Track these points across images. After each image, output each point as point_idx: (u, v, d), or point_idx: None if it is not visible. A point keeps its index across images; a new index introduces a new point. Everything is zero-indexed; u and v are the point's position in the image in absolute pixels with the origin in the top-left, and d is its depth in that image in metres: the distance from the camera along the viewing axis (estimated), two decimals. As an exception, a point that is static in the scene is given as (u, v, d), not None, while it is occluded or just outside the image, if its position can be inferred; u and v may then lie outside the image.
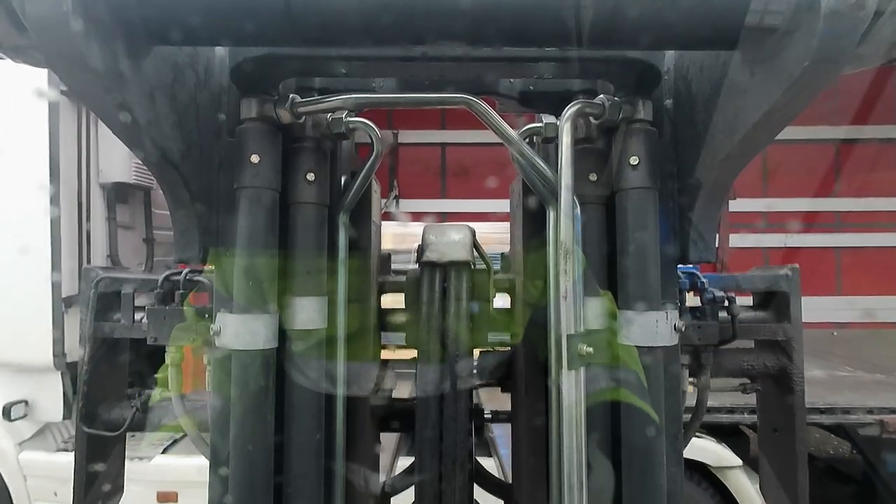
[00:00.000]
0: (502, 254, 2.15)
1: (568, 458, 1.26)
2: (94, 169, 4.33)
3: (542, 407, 1.55)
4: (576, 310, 1.26)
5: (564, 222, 1.24)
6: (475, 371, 1.71)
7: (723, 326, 1.66)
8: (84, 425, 1.69)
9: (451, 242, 1.68)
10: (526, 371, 1.64)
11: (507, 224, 2.12)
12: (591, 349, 1.26)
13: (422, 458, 1.54)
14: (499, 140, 1.36)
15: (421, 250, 1.68)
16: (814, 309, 7.10)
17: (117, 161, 4.38)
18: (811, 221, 8.21)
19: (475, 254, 1.73)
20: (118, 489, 1.91)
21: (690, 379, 1.69)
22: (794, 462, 1.73)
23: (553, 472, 1.43)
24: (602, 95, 1.35)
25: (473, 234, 1.72)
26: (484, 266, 1.75)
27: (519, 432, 1.82)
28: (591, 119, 1.39)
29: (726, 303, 1.68)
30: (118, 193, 4.53)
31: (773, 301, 1.80)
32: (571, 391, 1.26)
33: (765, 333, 1.75)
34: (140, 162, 4.08)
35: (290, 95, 1.35)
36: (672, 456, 1.36)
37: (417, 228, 1.94)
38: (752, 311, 1.84)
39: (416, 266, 1.72)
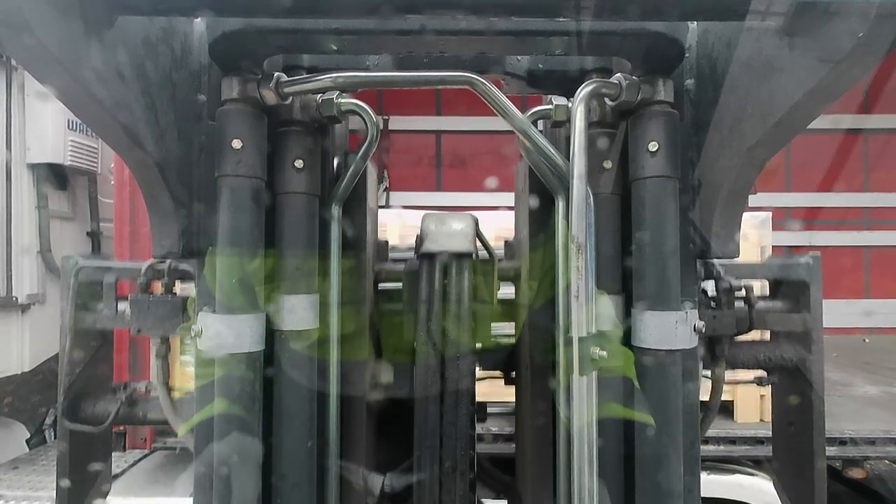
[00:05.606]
0: (506, 241, 2.04)
1: (578, 468, 1.17)
2: (19, 146, 3.42)
3: (547, 403, 1.46)
4: (588, 310, 1.16)
5: (576, 214, 1.13)
6: (477, 365, 1.62)
7: (739, 317, 1.57)
8: (67, 420, 1.60)
9: (453, 232, 1.57)
10: (531, 364, 1.55)
11: (510, 216, 2.00)
12: (604, 353, 1.16)
13: (420, 460, 1.44)
14: (501, 126, 1.25)
15: (420, 241, 1.57)
16: (842, 313, 6.77)
17: (50, 138, 3.45)
18: (837, 218, 7.57)
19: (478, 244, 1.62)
20: (104, 488, 1.81)
21: (705, 372, 1.60)
22: (812, 459, 1.64)
23: (561, 482, 1.35)
24: (619, 74, 1.23)
25: (476, 222, 1.61)
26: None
27: (523, 426, 1.74)
28: (607, 100, 1.27)
29: (743, 292, 1.58)
30: (52, 177, 3.67)
31: (792, 290, 1.70)
32: (582, 397, 1.16)
33: (784, 324, 1.67)
34: (78, 140, 3.58)
35: (276, 74, 1.23)
36: (689, 465, 1.27)
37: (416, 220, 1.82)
38: (770, 300, 1.74)
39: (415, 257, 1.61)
